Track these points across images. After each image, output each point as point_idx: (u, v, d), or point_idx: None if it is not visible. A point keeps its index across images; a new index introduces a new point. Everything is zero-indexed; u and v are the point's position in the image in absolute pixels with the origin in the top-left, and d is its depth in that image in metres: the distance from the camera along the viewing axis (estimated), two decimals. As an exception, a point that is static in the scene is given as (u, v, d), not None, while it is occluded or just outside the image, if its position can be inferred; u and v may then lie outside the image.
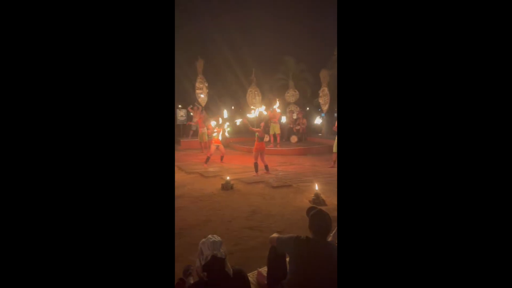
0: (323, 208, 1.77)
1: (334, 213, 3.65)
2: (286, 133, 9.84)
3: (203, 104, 9.77)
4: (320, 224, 1.61)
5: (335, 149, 6.15)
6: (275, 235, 1.80)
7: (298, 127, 9.94)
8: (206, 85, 10.02)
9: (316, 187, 4.15)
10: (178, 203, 3.84)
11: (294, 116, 10.22)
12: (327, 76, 9.78)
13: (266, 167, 5.66)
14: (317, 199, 3.95)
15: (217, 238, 1.45)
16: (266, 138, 9.23)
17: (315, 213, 1.66)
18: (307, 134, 10.11)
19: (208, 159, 6.35)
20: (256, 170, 5.52)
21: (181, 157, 7.70)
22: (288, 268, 1.66)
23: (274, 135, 8.70)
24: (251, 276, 2.15)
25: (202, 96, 9.92)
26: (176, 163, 6.28)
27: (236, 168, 6.19)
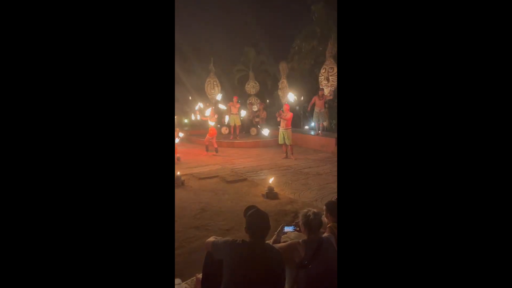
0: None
1: (287, 207, 3.62)
2: (246, 125, 9.68)
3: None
4: (257, 226, 1.48)
5: (281, 140, 6.35)
6: (211, 239, 1.62)
7: (258, 119, 9.83)
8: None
9: (270, 180, 4.07)
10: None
11: (255, 108, 10.09)
12: (286, 69, 9.74)
13: (216, 149, 6.73)
14: (270, 193, 3.87)
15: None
16: (226, 130, 9.02)
17: (252, 214, 1.51)
18: (267, 126, 10.05)
19: None
20: (207, 150, 6.72)
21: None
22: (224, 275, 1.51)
23: (234, 127, 8.57)
24: (189, 283, 1.96)
25: None
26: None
27: (190, 163, 5.88)
